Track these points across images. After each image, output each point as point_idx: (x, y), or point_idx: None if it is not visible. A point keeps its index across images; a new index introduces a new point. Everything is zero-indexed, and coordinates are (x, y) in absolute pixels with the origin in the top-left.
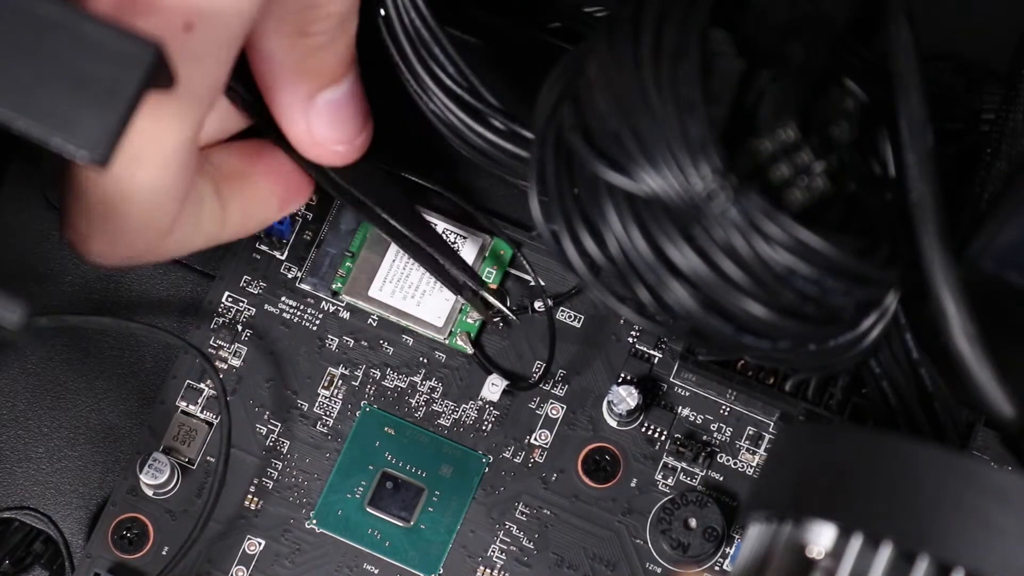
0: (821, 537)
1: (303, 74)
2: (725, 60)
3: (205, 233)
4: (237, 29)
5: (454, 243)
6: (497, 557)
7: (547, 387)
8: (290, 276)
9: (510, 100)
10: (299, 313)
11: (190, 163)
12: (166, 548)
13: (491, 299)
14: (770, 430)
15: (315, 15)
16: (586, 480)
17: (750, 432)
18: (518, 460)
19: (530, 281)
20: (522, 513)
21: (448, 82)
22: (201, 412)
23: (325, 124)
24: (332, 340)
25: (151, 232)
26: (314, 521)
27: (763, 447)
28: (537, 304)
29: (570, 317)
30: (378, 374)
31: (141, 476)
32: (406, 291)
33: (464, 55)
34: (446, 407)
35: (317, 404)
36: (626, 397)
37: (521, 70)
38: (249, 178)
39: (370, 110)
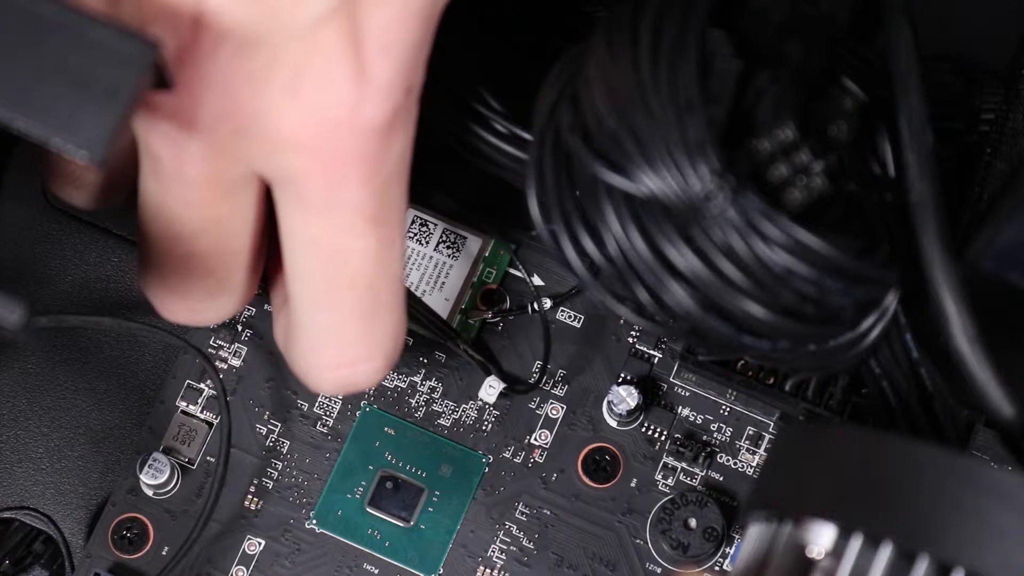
0: (821, 537)
1: None
2: (723, 61)
3: None
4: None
5: (454, 243)
6: (497, 557)
7: (547, 387)
8: None
9: (510, 101)
10: None
11: None
12: (166, 548)
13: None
14: (770, 430)
15: None
16: (586, 480)
17: (750, 432)
18: (518, 460)
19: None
20: (522, 513)
21: (450, 86)
22: (201, 412)
23: None
24: None
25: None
26: (314, 521)
27: (763, 447)
28: (537, 304)
29: (570, 317)
30: None
31: (141, 476)
32: None
33: (464, 57)
34: (446, 407)
35: (317, 404)
36: (626, 397)
37: (521, 70)
38: None
39: None
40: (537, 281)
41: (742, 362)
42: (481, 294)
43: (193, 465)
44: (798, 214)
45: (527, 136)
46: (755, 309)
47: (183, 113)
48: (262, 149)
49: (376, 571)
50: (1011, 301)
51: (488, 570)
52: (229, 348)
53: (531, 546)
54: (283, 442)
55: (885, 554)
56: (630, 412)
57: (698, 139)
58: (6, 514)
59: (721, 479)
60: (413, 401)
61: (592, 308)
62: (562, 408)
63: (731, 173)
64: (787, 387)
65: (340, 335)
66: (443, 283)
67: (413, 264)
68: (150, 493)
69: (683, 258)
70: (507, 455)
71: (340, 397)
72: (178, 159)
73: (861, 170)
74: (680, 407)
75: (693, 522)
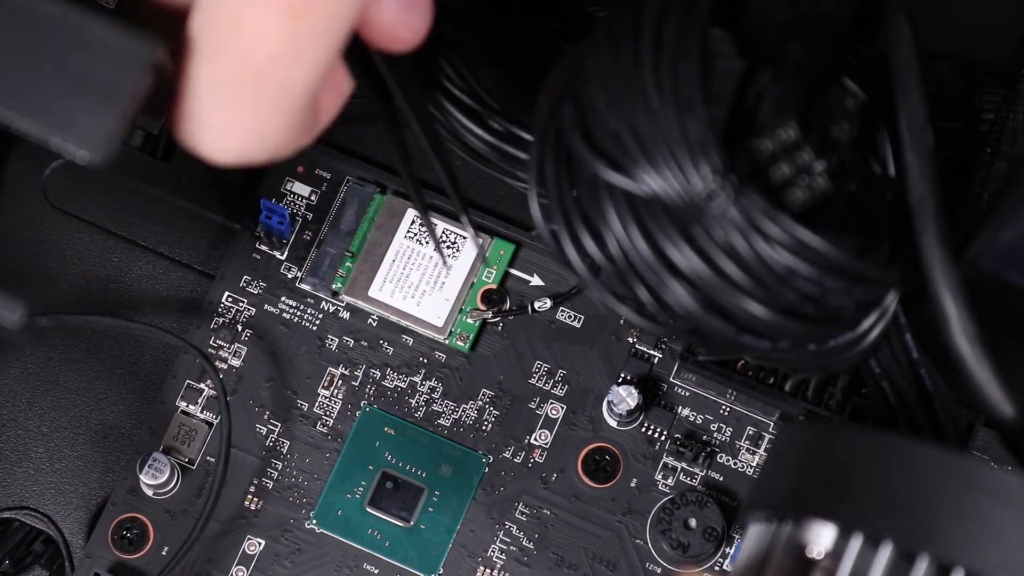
0: (821, 537)
1: None
2: (725, 60)
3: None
4: None
5: (454, 243)
6: (497, 557)
7: (547, 387)
8: (290, 276)
9: (509, 101)
10: (299, 313)
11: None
12: (166, 548)
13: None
14: (770, 430)
15: None
16: (586, 480)
17: (750, 432)
18: (518, 460)
19: (530, 281)
20: (522, 513)
21: (446, 84)
22: (201, 412)
23: (396, 5)
24: (332, 340)
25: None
26: (314, 521)
27: (763, 447)
28: (537, 304)
29: (570, 317)
30: (378, 374)
31: (141, 476)
32: (406, 291)
33: (463, 56)
34: (446, 407)
35: (317, 404)
36: (626, 397)
37: (521, 70)
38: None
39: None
40: (537, 281)
41: (742, 362)
42: (481, 294)
43: (193, 465)
44: (799, 214)
45: (525, 135)
46: (756, 309)
47: None
48: None
49: (376, 571)
50: (1011, 301)
51: (488, 570)
52: (229, 348)
53: (531, 546)
54: (283, 442)
55: (885, 554)
56: (630, 412)
57: (700, 138)
58: (6, 514)
59: (721, 479)
60: (413, 401)
61: (592, 308)
62: (562, 408)
63: (733, 172)
64: (787, 387)
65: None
66: (443, 283)
67: (413, 264)
68: (150, 493)
69: (684, 257)
70: (507, 455)
71: (340, 397)
72: None
73: (862, 170)
74: (680, 407)
75: (693, 522)
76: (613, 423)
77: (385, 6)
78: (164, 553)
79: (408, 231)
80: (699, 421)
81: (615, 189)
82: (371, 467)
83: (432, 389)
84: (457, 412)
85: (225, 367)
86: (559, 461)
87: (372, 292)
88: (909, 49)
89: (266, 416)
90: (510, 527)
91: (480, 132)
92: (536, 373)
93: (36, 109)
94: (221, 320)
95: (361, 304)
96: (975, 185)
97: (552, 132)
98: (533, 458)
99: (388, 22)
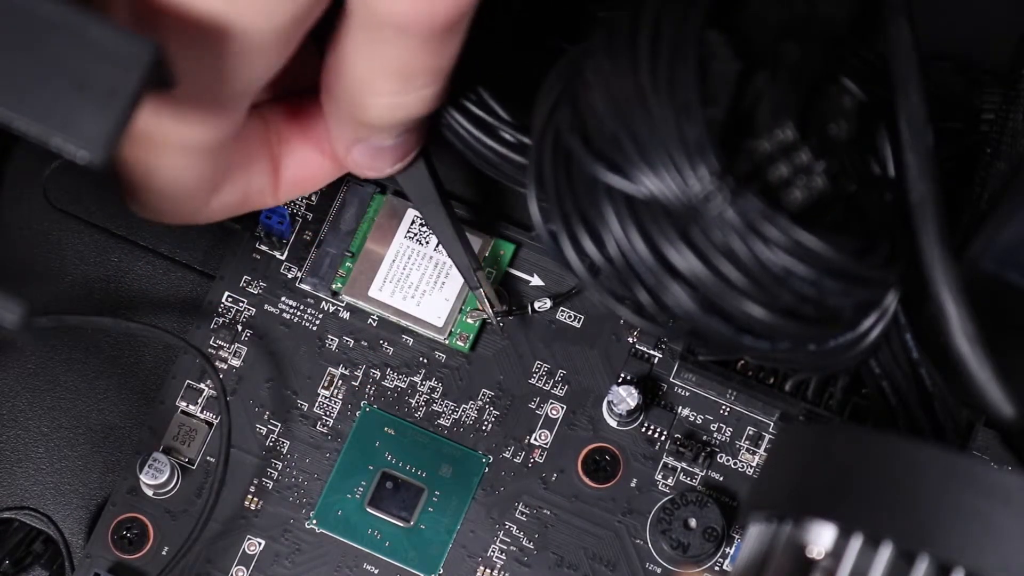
0: (821, 537)
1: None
2: (722, 62)
3: (253, 203)
4: (261, 45)
5: None
6: (497, 557)
7: (547, 387)
8: (290, 276)
9: (515, 107)
10: (299, 313)
11: (218, 158)
12: (166, 548)
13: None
14: (770, 430)
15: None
16: (586, 480)
17: (750, 432)
18: (518, 460)
19: (530, 281)
20: (522, 513)
21: (457, 95)
22: (201, 412)
23: (364, 155)
24: (332, 340)
25: (183, 208)
26: (314, 521)
27: (763, 447)
28: (537, 304)
29: (570, 317)
30: (378, 374)
31: (141, 476)
32: (406, 291)
33: (470, 64)
34: (446, 407)
35: (317, 404)
36: (626, 397)
37: (521, 71)
38: (306, 142)
39: (420, 140)
40: (537, 281)
41: (742, 362)
42: None
43: (193, 465)
44: (798, 214)
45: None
46: (755, 310)
47: None
48: None
49: (376, 571)
50: (1011, 301)
51: (488, 570)
52: (229, 348)
53: (531, 546)
54: (283, 442)
55: (885, 554)
56: (630, 412)
57: (697, 140)
58: (6, 514)
59: (721, 479)
60: (413, 401)
61: (592, 308)
62: (562, 408)
63: (730, 174)
64: (787, 387)
65: None
66: (443, 283)
67: (413, 264)
68: (150, 493)
69: (683, 259)
70: (507, 455)
71: (340, 397)
72: None
73: (861, 170)
74: (680, 407)
75: (693, 522)
76: (613, 423)
77: (354, 152)
78: (164, 553)
79: (408, 231)
80: (699, 421)
81: (614, 191)
82: (371, 467)
83: (432, 389)
84: (457, 412)
85: (225, 367)
86: (559, 461)
87: (372, 292)
88: (909, 49)
89: (266, 416)
90: (510, 527)
91: (492, 143)
92: (536, 373)
93: (36, 109)
94: (221, 320)
95: (361, 304)
96: (975, 185)
97: (551, 134)
98: (533, 458)
99: (355, 164)
